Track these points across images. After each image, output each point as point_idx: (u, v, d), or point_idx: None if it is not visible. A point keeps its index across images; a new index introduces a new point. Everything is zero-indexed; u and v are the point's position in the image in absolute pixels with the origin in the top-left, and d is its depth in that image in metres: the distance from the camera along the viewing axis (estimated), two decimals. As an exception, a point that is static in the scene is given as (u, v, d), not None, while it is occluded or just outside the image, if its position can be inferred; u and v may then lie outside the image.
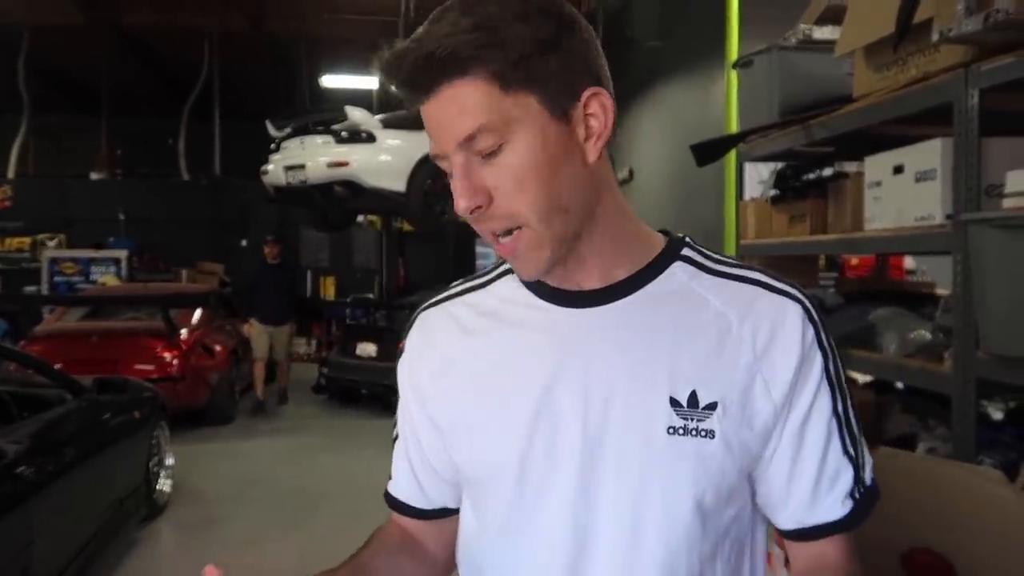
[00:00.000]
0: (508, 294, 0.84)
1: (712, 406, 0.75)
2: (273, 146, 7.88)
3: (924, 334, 2.04)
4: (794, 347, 0.77)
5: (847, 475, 0.79)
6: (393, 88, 0.74)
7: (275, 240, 7.84)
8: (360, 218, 10.55)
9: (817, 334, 0.78)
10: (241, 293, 8.34)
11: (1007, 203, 1.69)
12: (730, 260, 0.83)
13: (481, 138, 0.70)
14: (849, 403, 0.80)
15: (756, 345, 0.77)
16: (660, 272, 0.80)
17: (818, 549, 0.81)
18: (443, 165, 0.75)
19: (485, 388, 0.81)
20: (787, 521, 0.81)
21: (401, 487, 0.92)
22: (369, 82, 11.28)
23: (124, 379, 4.29)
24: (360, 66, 11.41)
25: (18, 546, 2.58)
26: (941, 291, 2.61)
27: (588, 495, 0.76)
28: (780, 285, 0.80)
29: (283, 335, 7.73)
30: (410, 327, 0.90)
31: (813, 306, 0.79)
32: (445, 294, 0.89)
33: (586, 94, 0.73)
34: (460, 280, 0.90)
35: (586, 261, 0.78)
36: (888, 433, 2.24)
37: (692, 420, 0.75)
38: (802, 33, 2.55)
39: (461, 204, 0.72)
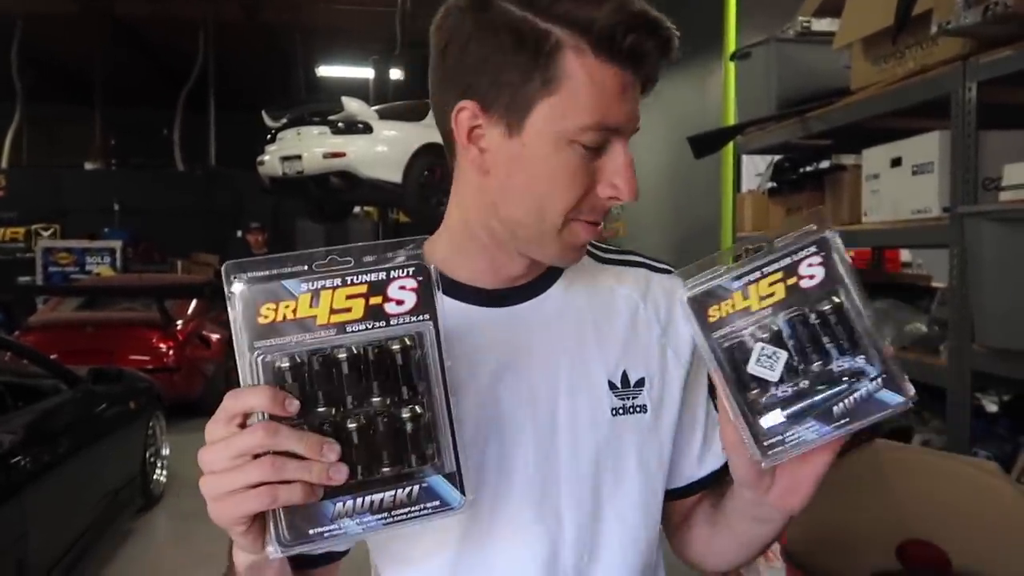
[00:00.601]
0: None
1: (641, 382, 0.80)
2: (269, 137, 7.85)
3: (920, 327, 2.05)
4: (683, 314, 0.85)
5: (718, 428, 0.84)
6: (626, 32, 0.66)
7: (261, 227, 7.38)
8: (356, 209, 10.53)
9: None
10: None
11: (1004, 196, 1.69)
12: (610, 247, 0.88)
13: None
14: None
15: (660, 319, 0.83)
16: None
17: (701, 496, 0.87)
18: (593, 137, 0.69)
19: None
20: (679, 479, 0.85)
21: None
22: (365, 72, 11.24)
23: (119, 369, 4.28)
24: (356, 56, 11.37)
25: (12, 537, 2.58)
26: (937, 284, 2.62)
27: (547, 490, 0.75)
28: (659, 264, 0.87)
29: None
30: None
31: None
32: None
33: None
34: None
35: None
36: (883, 426, 2.25)
37: (628, 399, 0.79)
38: (800, 25, 2.54)
39: (630, 190, 0.71)
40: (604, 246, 0.88)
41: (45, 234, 12.14)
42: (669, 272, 0.86)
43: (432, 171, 7.43)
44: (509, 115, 0.69)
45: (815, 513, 1.28)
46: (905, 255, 4.40)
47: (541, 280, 0.80)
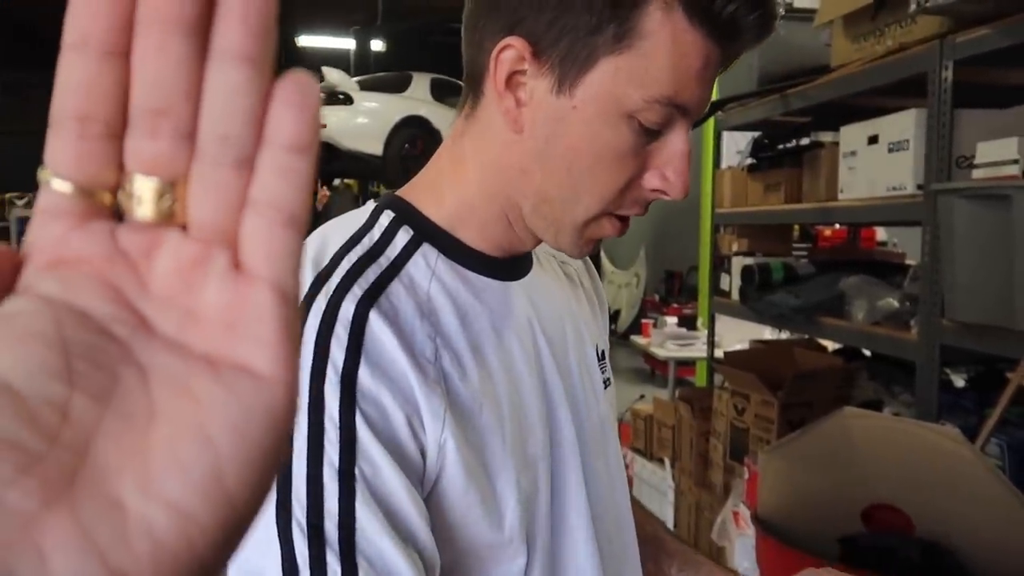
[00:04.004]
0: (448, 281, 0.62)
1: (603, 355, 0.77)
2: (248, 106, 7.74)
3: (892, 302, 2.08)
4: (595, 272, 0.84)
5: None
6: (734, 8, 0.55)
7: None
8: (336, 181, 10.47)
9: None
10: None
11: (977, 174, 1.72)
12: None
13: None
14: None
15: (583, 283, 0.80)
16: None
17: None
18: (656, 115, 0.57)
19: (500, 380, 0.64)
20: None
21: None
22: (346, 43, 11.11)
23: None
24: (337, 26, 11.22)
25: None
26: (910, 262, 2.66)
27: (584, 459, 0.70)
28: None
29: None
30: (358, 334, 0.55)
31: None
32: (367, 285, 0.57)
33: None
34: (344, 266, 0.58)
35: None
36: (855, 399, 2.30)
37: (605, 371, 0.76)
38: (783, 2, 2.55)
39: (683, 185, 0.60)
40: None
41: (20, 203, 11.94)
42: None
43: (413, 143, 7.40)
44: (564, 67, 0.56)
45: (786, 481, 1.31)
46: (881, 234, 4.46)
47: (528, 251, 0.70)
